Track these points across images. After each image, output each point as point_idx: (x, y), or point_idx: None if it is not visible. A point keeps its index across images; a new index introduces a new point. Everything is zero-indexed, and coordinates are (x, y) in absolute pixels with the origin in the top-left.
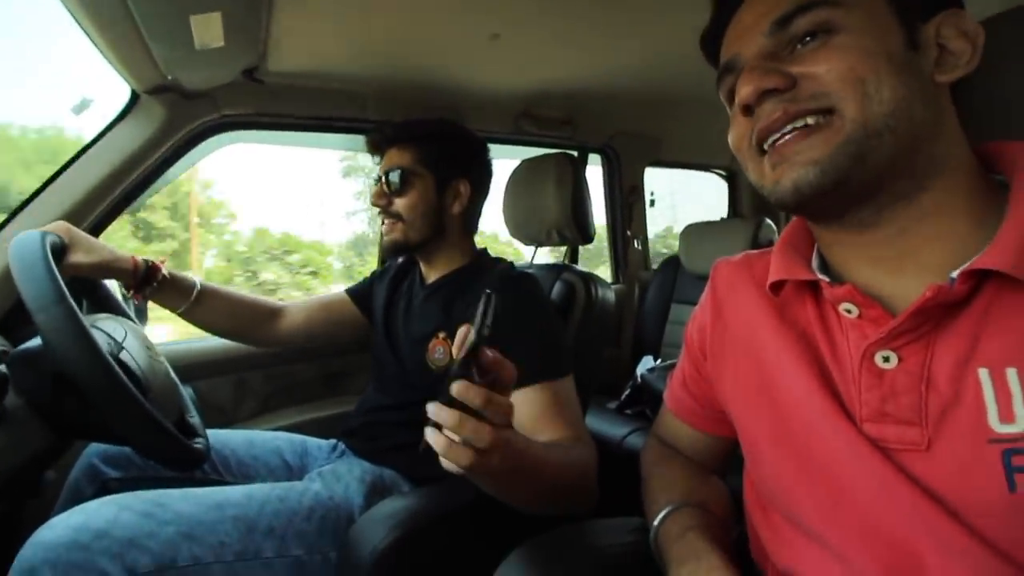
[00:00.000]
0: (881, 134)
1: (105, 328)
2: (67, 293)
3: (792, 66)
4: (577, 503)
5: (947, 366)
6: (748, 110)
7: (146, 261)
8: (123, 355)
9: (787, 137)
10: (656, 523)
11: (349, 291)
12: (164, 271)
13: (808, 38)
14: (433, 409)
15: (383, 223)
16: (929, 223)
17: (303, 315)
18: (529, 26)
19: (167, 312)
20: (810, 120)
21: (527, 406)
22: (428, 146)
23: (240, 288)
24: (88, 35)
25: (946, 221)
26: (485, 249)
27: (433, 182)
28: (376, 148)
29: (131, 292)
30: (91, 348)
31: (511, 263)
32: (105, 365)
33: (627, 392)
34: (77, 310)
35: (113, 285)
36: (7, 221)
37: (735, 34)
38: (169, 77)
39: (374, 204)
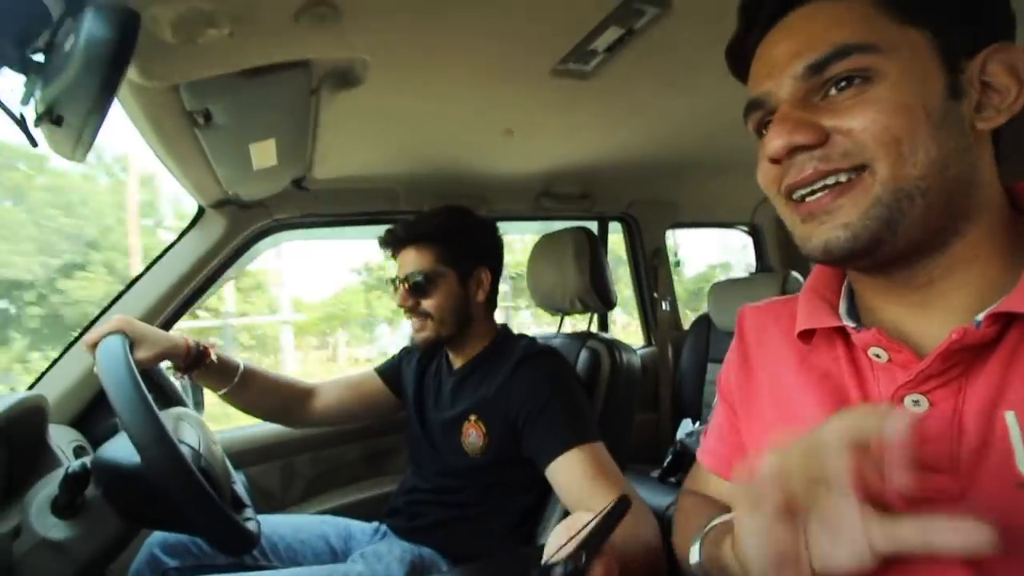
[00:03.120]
0: (912, 197)
1: (186, 438)
2: (161, 421)
3: (825, 116)
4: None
5: (976, 410)
6: (777, 160)
7: (198, 344)
8: (203, 463)
9: (817, 195)
10: (698, 541)
11: (378, 370)
12: (213, 355)
13: (844, 83)
14: None
15: (412, 321)
16: (960, 269)
17: (335, 395)
18: (539, 122)
19: None
20: (842, 178)
21: (571, 472)
22: (445, 243)
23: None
24: (163, 162)
25: (977, 266)
26: (505, 325)
27: (456, 278)
28: (390, 247)
29: (180, 373)
30: (184, 467)
31: (533, 338)
32: (196, 483)
33: (668, 459)
34: (176, 443)
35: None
36: (92, 323)
37: (764, 69)
38: (230, 192)
39: (401, 306)
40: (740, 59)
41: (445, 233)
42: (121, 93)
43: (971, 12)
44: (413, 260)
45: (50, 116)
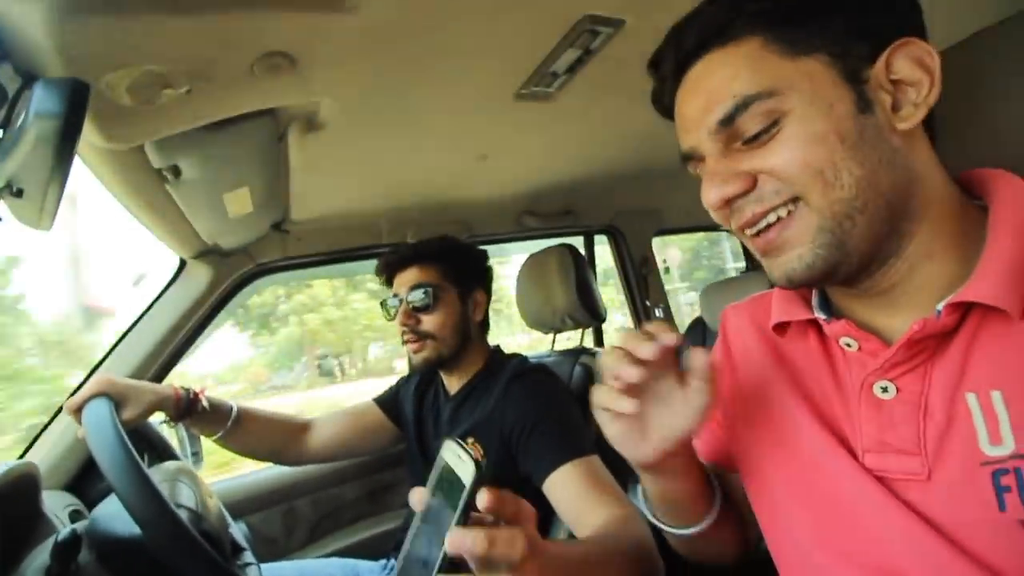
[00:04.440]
0: (852, 216)
1: (184, 501)
2: (159, 492)
3: (747, 160)
4: None
5: (940, 394)
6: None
7: (188, 391)
8: (203, 524)
9: (765, 231)
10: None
11: (377, 400)
12: (203, 401)
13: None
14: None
15: (409, 341)
16: (919, 271)
17: (332, 429)
18: (511, 144)
19: None
20: (782, 212)
21: (565, 487)
22: (448, 262)
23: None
24: (137, 219)
25: (934, 263)
26: (498, 347)
27: (457, 296)
28: (390, 270)
29: (172, 423)
30: (188, 538)
31: (524, 357)
32: (199, 549)
33: None
34: (177, 514)
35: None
36: (83, 384)
37: (684, 125)
38: (210, 243)
39: (403, 324)
40: (665, 110)
41: (446, 252)
42: (87, 157)
43: (859, 24)
44: (416, 276)
45: (11, 190)
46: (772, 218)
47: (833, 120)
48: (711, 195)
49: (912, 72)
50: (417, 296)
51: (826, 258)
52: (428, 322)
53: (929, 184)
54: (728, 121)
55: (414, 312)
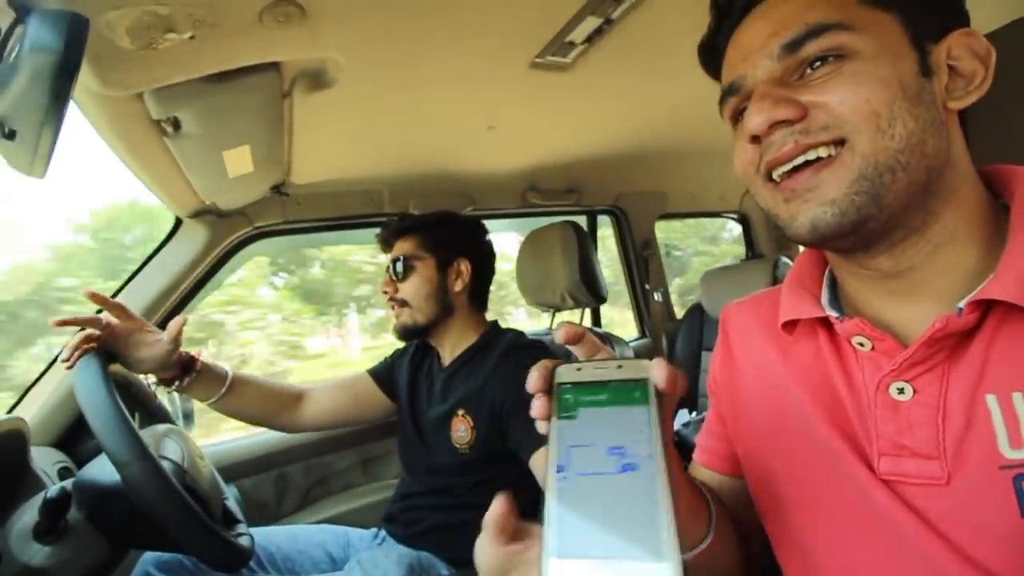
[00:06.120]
0: (894, 170)
1: (169, 454)
2: (139, 436)
3: (802, 93)
4: None
5: (959, 395)
6: (756, 139)
7: (187, 353)
8: (188, 479)
9: (797, 171)
10: None
11: (371, 372)
12: (205, 358)
13: (819, 62)
14: None
15: (391, 308)
16: (940, 255)
17: (327, 398)
18: (521, 116)
19: None
20: (822, 153)
21: None
22: (427, 232)
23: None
24: (133, 172)
25: (957, 250)
26: (496, 322)
27: (434, 264)
28: (386, 244)
29: (167, 385)
30: (165, 483)
31: (520, 332)
32: (180, 500)
33: None
34: (156, 459)
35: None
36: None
37: (739, 54)
38: (207, 202)
39: (384, 292)
40: (712, 53)
41: (428, 224)
42: (82, 102)
43: (934, 1)
44: (398, 248)
45: (2, 130)
46: (812, 155)
47: (898, 70)
48: (758, 117)
49: (969, 62)
50: (396, 267)
51: (859, 208)
52: (403, 289)
53: (959, 170)
54: (794, 46)
55: (392, 280)
